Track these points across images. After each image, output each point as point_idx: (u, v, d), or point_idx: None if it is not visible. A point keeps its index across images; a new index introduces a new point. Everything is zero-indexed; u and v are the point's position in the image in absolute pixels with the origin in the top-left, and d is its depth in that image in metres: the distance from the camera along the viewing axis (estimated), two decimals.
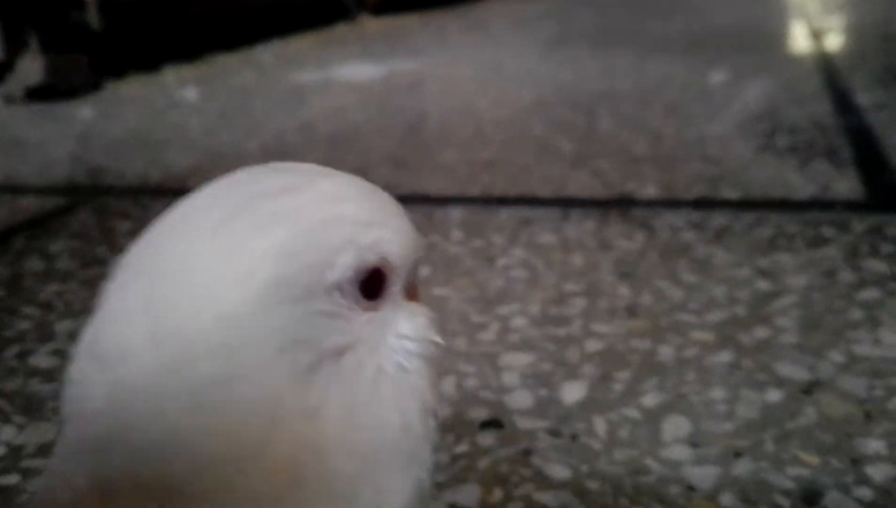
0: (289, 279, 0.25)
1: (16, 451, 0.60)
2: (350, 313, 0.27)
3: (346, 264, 0.27)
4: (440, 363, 0.30)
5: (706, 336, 0.68)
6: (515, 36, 2.53)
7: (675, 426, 0.57)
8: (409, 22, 2.92)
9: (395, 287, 0.29)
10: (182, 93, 2.03)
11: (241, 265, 0.25)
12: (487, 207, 1.04)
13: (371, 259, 0.28)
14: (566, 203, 1.04)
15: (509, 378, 0.65)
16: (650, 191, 1.06)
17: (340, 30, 2.99)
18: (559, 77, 1.88)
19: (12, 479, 0.57)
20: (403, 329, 0.29)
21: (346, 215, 0.28)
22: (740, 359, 0.64)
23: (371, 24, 2.96)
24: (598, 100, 1.61)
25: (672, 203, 1.01)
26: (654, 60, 1.95)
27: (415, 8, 3.10)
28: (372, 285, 0.28)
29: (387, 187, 0.29)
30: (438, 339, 0.30)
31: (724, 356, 0.65)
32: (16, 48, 1.91)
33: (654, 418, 0.58)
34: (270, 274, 0.25)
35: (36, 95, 1.93)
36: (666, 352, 0.66)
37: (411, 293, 0.31)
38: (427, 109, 1.63)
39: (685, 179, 1.09)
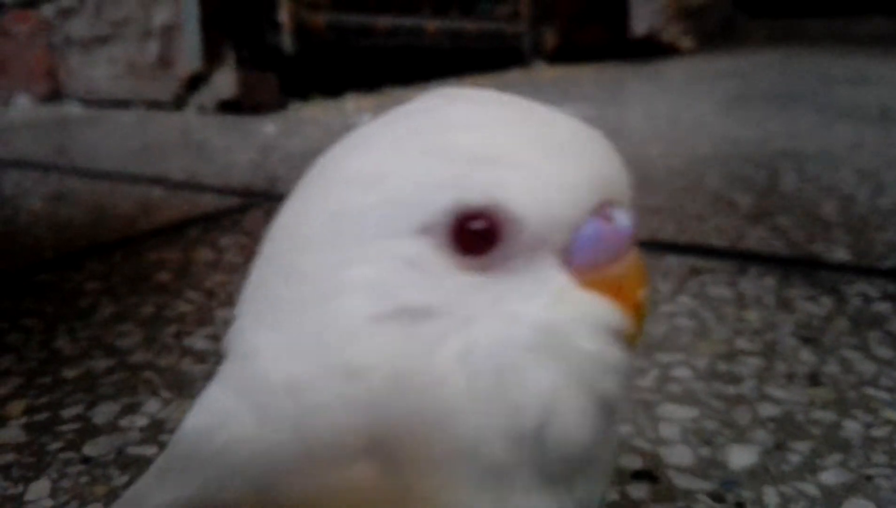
0: (366, 212, 0.22)
1: (158, 424, 0.61)
2: (440, 269, 0.21)
3: (439, 206, 0.21)
4: (596, 378, 0.22)
5: None
6: (693, 91, 2.45)
7: None
8: (583, 72, 2.90)
9: (531, 251, 0.22)
10: (359, 119, 2.09)
11: (332, 190, 0.24)
12: (653, 252, 0.99)
13: (477, 203, 0.21)
14: (744, 257, 0.97)
15: (668, 431, 0.59)
16: (839, 255, 0.96)
17: (514, 74, 3.02)
18: (737, 133, 1.79)
19: (150, 450, 0.58)
20: (522, 307, 0.22)
21: (459, 146, 0.22)
22: None
23: (545, 72, 2.96)
24: (780, 158, 1.51)
25: (865, 271, 0.91)
26: (843, 125, 1.82)
27: (590, 58, 3.08)
28: (479, 239, 0.21)
29: None
30: (590, 345, 0.22)
31: None
32: (212, 61, 2.05)
33: (834, 497, 0.51)
34: (347, 203, 0.23)
35: (226, 107, 2.06)
36: (852, 428, 0.59)
37: (591, 277, 0.23)
38: None
39: (879, 247, 0.99)
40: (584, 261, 0.23)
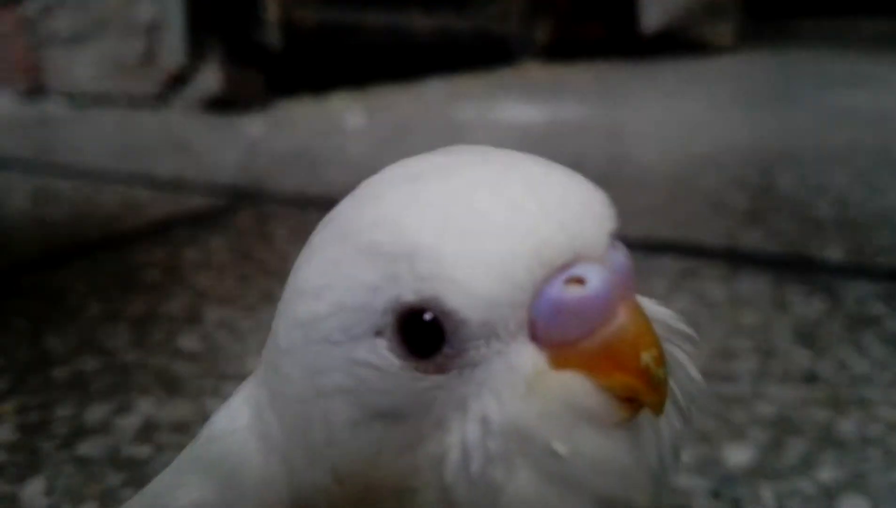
0: (322, 320, 0.22)
1: (151, 424, 0.61)
2: (402, 371, 0.21)
3: (378, 307, 0.21)
4: (586, 477, 0.20)
5: (893, 415, 0.61)
6: (688, 92, 2.45)
7: (854, 507, 0.51)
8: (576, 71, 2.90)
9: (490, 338, 0.20)
10: (347, 118, 2.08)
11: (292, 300, 0.23)
12: (647, 252, 0.99)
13: (411, 301, 0.20)
14: (738, 258, 0.97)
15: None
16: (834, 256, 0.97)
17: (504, 73, 3.00)
18: (733, 134, 1.80)
19: (144, 450, 0.57)
20: (491, 405, 0.20)
21: (389, 242, 0.21)
22: None
23: (535, 71, 2.96)
24: (775, 159, 1.51)
25: (859, 272, 0.92)
26: (838, 127, 1.82)
27: (585, 55, 3.06)
28: (430, 337, 0.20)
29: None
30: (562, 445, 0.19)
31: None
32: (197, 58, 2.02)
33: (829, 494, 0.52)
34: (301, 311, 0.23)
35: (211, 104, 2.04)
36: (846, 426, 0.60)
37: (569, 352, 0.20)
38: (587, 154, 1.59)
39: (873, 248, 0.99)
40: (550, 337, 0.20)
